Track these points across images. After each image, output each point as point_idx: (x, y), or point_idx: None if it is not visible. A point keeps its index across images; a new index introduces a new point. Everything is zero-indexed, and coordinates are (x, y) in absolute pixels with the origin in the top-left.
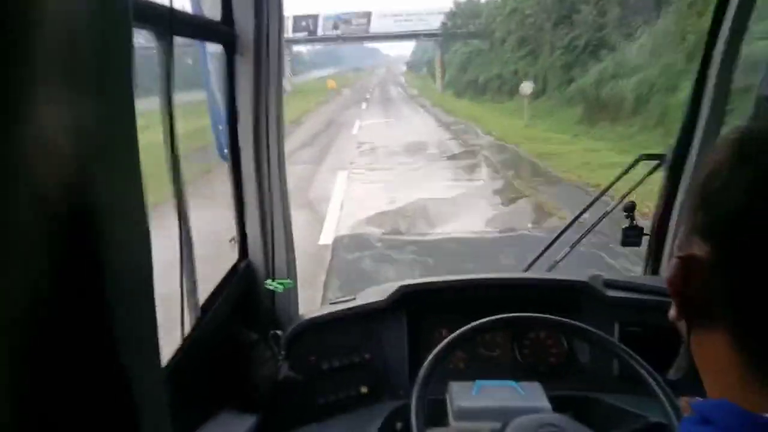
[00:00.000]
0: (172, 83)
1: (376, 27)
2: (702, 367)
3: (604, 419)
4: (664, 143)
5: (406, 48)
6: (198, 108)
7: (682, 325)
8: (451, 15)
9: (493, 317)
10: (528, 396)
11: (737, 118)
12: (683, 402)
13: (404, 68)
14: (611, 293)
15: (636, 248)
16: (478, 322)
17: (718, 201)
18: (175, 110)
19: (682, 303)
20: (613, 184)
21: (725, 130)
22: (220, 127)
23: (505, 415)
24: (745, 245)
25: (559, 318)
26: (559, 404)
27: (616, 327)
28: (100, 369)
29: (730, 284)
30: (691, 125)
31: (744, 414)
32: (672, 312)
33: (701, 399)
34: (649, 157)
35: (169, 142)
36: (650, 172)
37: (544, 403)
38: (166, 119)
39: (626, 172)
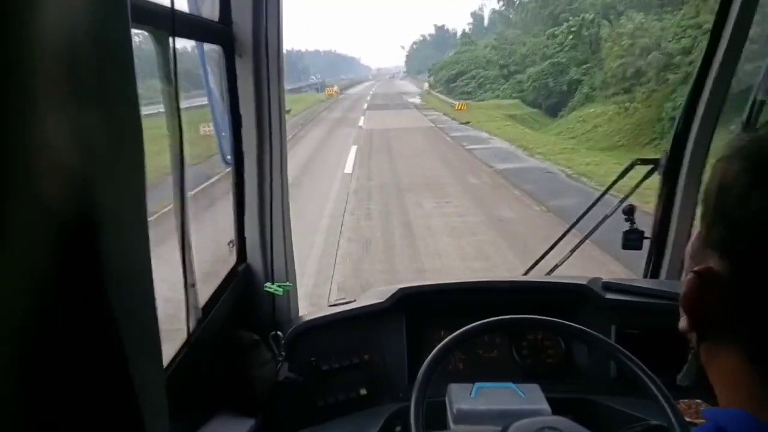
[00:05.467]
0: (175, 85)
1: None
2: (713, 377)
3: (604, 421)
4: None
5: (393, 58)
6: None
7: (692, 336)
8: None
9: (491, 319)
10: (527, 398)
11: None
12: (683, 405)
13: (408, 85)
14: (610, 296)
15: None
16: (476, 324)
17: (737, 217)
18: (180, 113)
19: (696, 317)
20: (609, 188)
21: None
22: (223, 134)
23: (505, 418)
24: (763, 262)
25: (557, 320)
26: (558, 406)
27: (613, 329)
28: (103, 371)
29: (748, 301)
30: (685, 130)
31: (759, 425)
32: (682, 323)
33: (713, 408)
34: (644, 162)
35: (174, 146)
36: (645, 177)
37: (544, 405)
38: (170, 122)
39: (621, 177)
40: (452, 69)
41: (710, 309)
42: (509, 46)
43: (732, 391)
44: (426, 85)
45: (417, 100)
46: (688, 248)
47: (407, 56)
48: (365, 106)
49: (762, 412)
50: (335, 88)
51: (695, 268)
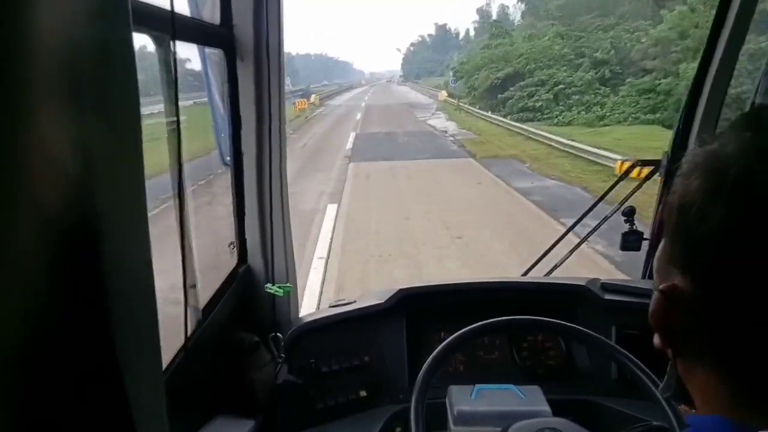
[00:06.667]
0: (176, 89)
1: None
2: (691, 389)
3: (605, 423)
4: None
5: (387, 62)
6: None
7: (668, 351)
8: None
9: (491, 320)
10: (528, 400)
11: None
12: (684, 408)
13: (411, 92)
14: (609, 297)
15: None
16: (476, 325)
17: (696, 235)
18: (179, 116)
19: (666, 334)
20: (610, 189)
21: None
22: (223, 135)
23: (505, 419)
24: (724, 281)
25: (557, 321)
26: (558, 408)
27: (613, 330)
28: (102, 372)
29: (712, 319)
30: (686, 131)
31: (737, 430)
32: (656, 340)
33: (695, 414)
34: (645, 163)
35: (173, 148)
36: (647, 178)
37: (544, 406)
38: (170, 125)
39: (623, 178)
40: (497, 70)
41: (678, 327)
42: (585, 33)
43: (707, 402)
44: (443, 93)
45: (449, 126)
46: (655, 262)
47: (404, 59)
48: (349, 142)
49: (738, 420)
50: (312, 99)
51: (660, 287)
